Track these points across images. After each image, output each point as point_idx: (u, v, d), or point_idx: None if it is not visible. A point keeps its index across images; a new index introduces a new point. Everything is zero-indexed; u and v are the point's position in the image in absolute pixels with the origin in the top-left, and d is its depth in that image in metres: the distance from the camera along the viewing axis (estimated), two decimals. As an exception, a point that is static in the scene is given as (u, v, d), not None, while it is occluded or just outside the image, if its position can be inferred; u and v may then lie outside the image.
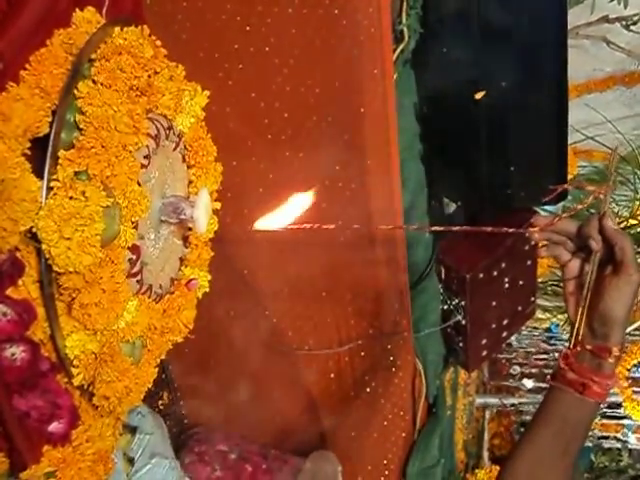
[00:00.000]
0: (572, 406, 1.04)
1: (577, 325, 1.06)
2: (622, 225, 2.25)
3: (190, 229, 1.05)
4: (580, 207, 1.12)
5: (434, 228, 1.15)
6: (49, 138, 0.78)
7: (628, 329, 2.09)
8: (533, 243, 1.02)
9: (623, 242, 1.01)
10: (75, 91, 0.80)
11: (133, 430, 1.28)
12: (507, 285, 1.81)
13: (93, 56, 0.84)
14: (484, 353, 1.89)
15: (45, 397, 0.83)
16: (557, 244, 1.09)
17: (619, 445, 2.35)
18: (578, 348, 1.05)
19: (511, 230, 1.06)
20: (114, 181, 0.82)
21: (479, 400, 2.33)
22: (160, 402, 1.52)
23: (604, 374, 1.03)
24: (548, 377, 1.10)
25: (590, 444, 2.34)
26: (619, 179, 2.39)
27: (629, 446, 2.33)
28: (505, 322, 1.88)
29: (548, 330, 2.56)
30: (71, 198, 0.77)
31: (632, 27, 2.38)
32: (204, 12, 1.31)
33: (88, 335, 0.85)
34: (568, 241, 1.08)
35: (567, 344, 1.08)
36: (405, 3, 1.47)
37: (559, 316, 2.45)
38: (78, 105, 0.80)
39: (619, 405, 2.13)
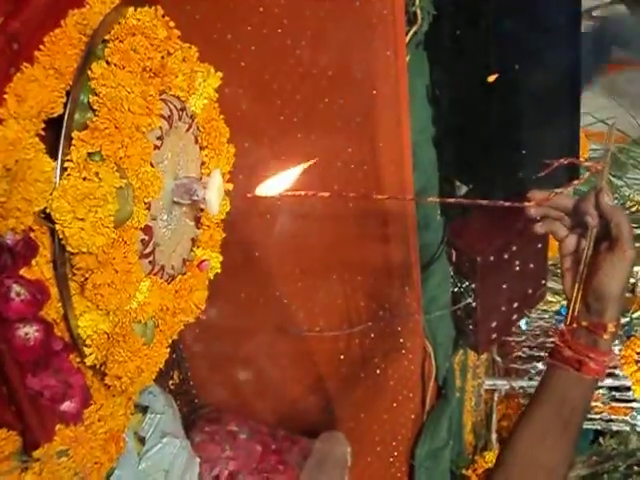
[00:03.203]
0: (569, 384, 1.04)
1: (573, 301, 1.06)
2: (634, 209, 2.24)
3: (202, 210, 1.05)
4: (577, 183, 1.13)
5: (435, 199, 1.15)
6: (63, 119, 0.78)
7: (638, 313, 2.09)
8: (530, 218, 1.03)
9: (619, 218, 1.01)
10: (89, 72, 0.81)
11: (144, 410, 1.29)
12: (518, 268, 1.80)
13: (107, 37, 0.84)
14: (494, 336, 1.89)
15: (58, 376, 0.83)
16: (554, 220, 1.09)
17: (628, 428, 2.35)
18: (574, 325, 1.06)
19: (507, 204, 1.06)
20: (127, 162, 0.82)
21: (488, 382, 2.33)
22: (171, 382, 1.53)
23: (600, 350, 1.03)
24: (545, 355, 1.10)
25: (598, 427, 2.34)
26: (631, 162, 2.38)
27: (638, 429, 2.33)
28: (515, 305, 1.88)
29: (558, 313, 2.54)
30: (85, 179, 0.77)
31: (646, 9, 2.37)
32: (217, -7, 1.30)
33: (101, 315, 0.85)
34: (565, 217, 1.07)
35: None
36: (418, -16, 1.46)
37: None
38: (92, 86, 0.81)
39: (628, 388, 2.13)
